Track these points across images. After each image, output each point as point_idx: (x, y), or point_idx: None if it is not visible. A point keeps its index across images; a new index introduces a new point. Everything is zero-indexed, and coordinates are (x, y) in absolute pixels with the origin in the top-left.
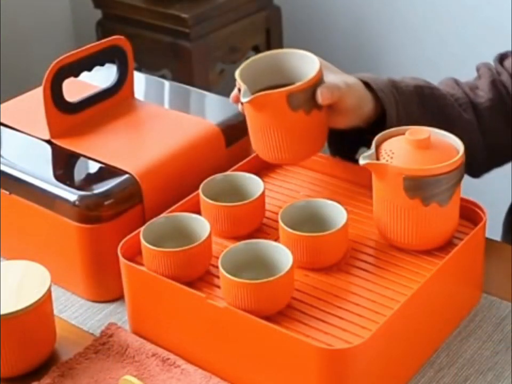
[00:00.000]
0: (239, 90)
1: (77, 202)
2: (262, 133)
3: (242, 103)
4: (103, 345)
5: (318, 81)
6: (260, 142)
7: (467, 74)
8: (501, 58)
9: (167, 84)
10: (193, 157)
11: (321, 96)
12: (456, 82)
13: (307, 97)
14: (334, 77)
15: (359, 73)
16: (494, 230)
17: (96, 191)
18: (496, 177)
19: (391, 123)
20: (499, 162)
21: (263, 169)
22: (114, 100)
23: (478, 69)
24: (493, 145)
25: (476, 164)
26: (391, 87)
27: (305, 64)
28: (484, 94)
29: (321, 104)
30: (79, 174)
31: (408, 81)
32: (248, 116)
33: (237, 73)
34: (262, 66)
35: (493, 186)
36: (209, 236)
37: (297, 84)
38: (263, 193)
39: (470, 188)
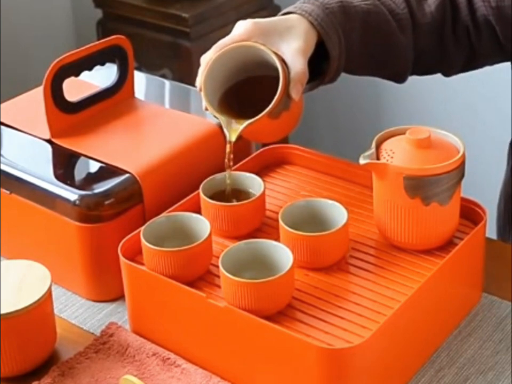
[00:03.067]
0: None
1: (77, 202)
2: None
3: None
4: (103, 345)
5: (287, 85)
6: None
7: None
8: None
9: (167, 83)
10: (194, 157)
11: (297, 95)
12: None
13: (282, 104)
14: (290, 51)
15: (308, 2)
16: (494, 230)
17: (96, 191)
18: (497, 176)
19: (332, 61)
20: (422, 72)
21: (263, 168)
22: (114, 99)
23: None
24: (421, 60)
25: (400, 73)
26: (339, 21)
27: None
28: (428, 12)
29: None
30: (79, 174)
31: (358, 5)
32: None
33: (208, 104)
34: (222, 68)
35: (493, 186)
36: (210, 236)
37: (272, 104)
38: (263, 192)
39: (470, 187)
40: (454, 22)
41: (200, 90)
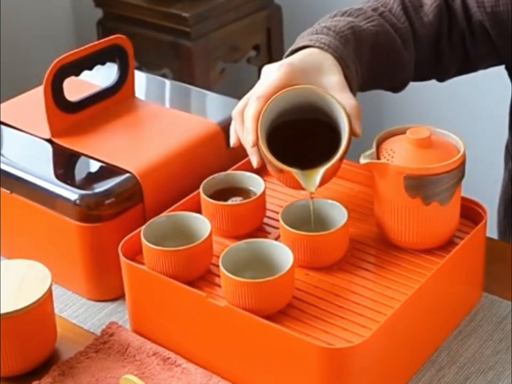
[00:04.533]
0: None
1: (77, 202)
2: None
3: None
4: (103, 344)
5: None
6: None
7: None
8: None
9: (167, 83)
10: (194, 156)
11: (360, 130)
12: (403, 5)
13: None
14: (344, 100)
15: (322, 33)
16: (495, 230)
17: (96, 190)
18: (497, 176)
19: (352, 90)
20: (418, 80)
21: (264, 168)
22: (115, 99)
23: None
24: (417, 68)
25: (401, 84)
26: (353, 49)
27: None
28: (426, 21)
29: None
30: (79, 173)
31: (367, 28)
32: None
33: (272, 158)
34: (279, 105)
35: (493, 186)
36: (210, 235)
37: (345, 143)
38: (264, 192)
39: (471, 187)
40: (450, 29)
41: (254, 145)
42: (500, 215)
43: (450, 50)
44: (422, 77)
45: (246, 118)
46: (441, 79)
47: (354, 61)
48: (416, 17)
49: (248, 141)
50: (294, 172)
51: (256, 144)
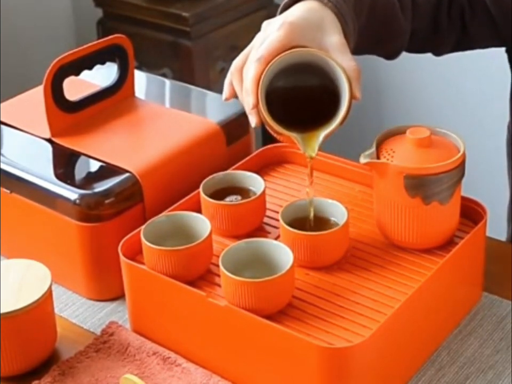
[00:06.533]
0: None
1: (77, 201)
2: None
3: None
4: (103, 344)
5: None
6: None
7: None
8: None
9: (167, 82)
10: (194, 156)
11: (360, 93)
12: None
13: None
14: (333, 49)
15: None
16: (495, 229)
17: (96, 190)
18: (497, 176)
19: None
20: (414, 51)
21: (263, 167)
22: (115, 98)
23: None
24: (413, 38)
25: (396, 51)
26: (352, 6)
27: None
28: None
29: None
30: (79, 173)
31: None
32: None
33: (274, 124)
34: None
35: (494, 185)
36: (210, 235)
37: (345, 106)
38: (263, 192)
39: (471, 186)
40: (450, 1)
41: (254, 107)
42: (509, 212)
43: (448, 22)
44: (417, 47)
45: (246, 80)
46: (437, 53)
47: (353, 19)
48: None
49: (248, 102)
50: (293, 136)
51: (256, 106)
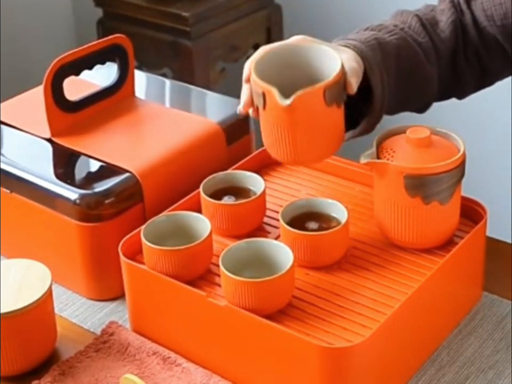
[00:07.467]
0: (252, 95)
1: (77, 201)
2: (295, 134)
3: (258, 109)
4: (103, 344)
5: (344, 72)
6: (291, 145)
7: None
8: None
9: (167, 82)
10: (194, 156)
11: (354, 86)
12: (421, 22)
13: (338, 91)
14: (344, 58)
15: (346, 39)
16: (495, 229)
17: (96, 190)
18: (497, 175)
19: (375, 100)
20: (438, 99)
21: (263, 167)
22: (115, 98)
23: None
24: (441, 86)
25: (427, 104)
26: (379, 59)
27: (322, 58)
28: (444, 37)
29: (350, 94)
30: (79, 173)
31: (390, 41)
32: (279, 119)
33: (256, 77)
34: (272, 62)
35: (494, 185)
36: (210, 235)
37: (332, 78)
38: (263, 192)
39: (471, 186)
40: (464, 44)
41: (247, 79)
42: None
43: (467, 65)
44: (442, 94)
45: (246, 65)
46: (460, 96)
47: (380, 70)
48: (434, 33)
49: (243, 77)
50: (273, 89)
51: (249, 78)
